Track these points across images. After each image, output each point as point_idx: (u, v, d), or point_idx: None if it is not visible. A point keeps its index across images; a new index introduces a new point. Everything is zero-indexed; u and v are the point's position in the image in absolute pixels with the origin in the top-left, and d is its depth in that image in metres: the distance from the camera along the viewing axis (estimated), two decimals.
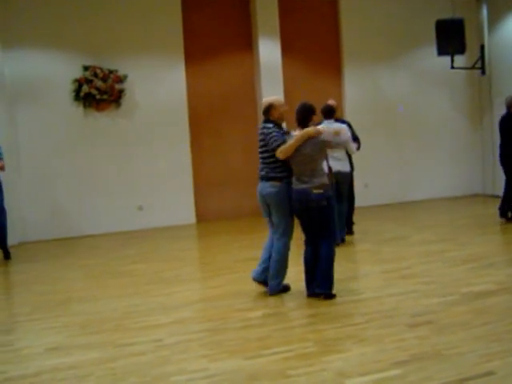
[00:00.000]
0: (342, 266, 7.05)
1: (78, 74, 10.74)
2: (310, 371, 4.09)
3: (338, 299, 5.77)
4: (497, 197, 11.47)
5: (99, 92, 10.75)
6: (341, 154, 8.32)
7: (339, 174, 8.20)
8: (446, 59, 11.50)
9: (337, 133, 7.99)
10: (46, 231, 10.69)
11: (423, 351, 4.31)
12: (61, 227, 10.77)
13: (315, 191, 5.72)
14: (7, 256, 9.00)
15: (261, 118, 6.33)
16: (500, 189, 10.14)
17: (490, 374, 3.85)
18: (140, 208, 11.24)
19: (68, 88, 10.75)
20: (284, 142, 5.80)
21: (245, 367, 4.23)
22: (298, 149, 5.76)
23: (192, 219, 11.63)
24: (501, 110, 10.24)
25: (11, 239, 10.13)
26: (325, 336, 4.79)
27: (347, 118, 11.14)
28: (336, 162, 8.00)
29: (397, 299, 5.70)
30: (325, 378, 3.98)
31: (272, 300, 5.94)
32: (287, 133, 5.98)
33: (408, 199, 12.89)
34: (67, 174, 10.83)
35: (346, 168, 8.44)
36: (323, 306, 5.58)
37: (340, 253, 7.32)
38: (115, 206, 11.10)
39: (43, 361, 4.61)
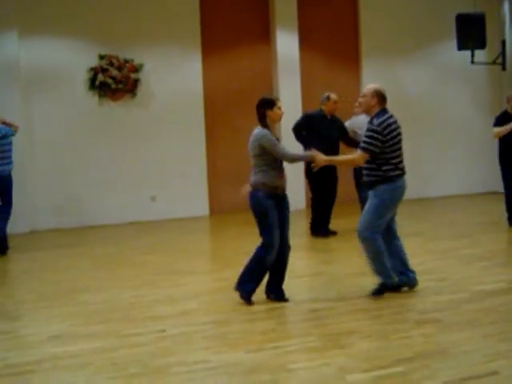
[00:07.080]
0: (353, 261, 6.98)
1: (94, 62, 10.72)
2: (311, 365, 4.04)
3: (346, 295, 5.70)
4: None
5: (114, 81, 10.71)
6: None
7: None
8: (466, 54, 11.33)
9: None
10: (58, 220, 10.67)
11: (428, 349, 4.23)
12: (73, 216, 10.76)
13: None
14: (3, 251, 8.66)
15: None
16: None
17: (493, 373, 3.77)
18: (153, 199, 11.20)
19: (83, 77, 10.73)
20: None
21: (246, 360, 4.19)
22: None
23: (205, 211, 11.57)
24: None
25: (22, 227, 10.19)
26: (329, 331, 4.73)
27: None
28: None
29: (406, 296, 5.62)
30: (325, 372, 3.92)
31: None
32: None
33: (424, 196, 12.71)
34: (81, 163, 10.81)
35: None
36: (331, 301, 5.51)
37: (352, 248, 7.27)
38: (128, 197, 11.05)
39: (45, 349, 4.61)
